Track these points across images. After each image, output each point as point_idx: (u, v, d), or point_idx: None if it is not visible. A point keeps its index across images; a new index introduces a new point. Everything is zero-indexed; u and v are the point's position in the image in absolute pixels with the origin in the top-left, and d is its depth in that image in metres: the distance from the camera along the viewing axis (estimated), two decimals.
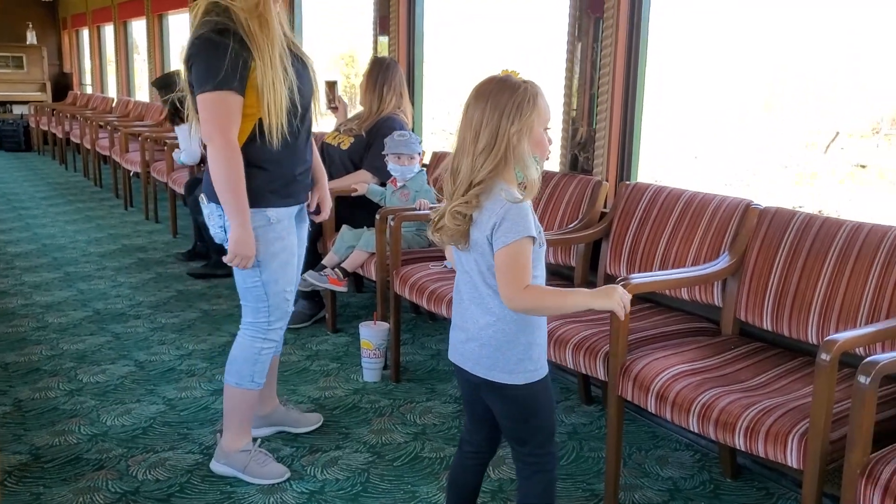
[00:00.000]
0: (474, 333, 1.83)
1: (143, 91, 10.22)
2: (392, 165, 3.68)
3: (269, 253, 2.41)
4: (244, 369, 2.51)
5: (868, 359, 1.80)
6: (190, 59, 2.30)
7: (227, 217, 2.33)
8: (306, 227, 2.66)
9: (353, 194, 3.83)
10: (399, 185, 3.71)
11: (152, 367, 3.49)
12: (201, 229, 4.82)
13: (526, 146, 1.72)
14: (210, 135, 2.27)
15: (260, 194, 2.36)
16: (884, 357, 1.81)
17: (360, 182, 3.86)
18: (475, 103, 1.74)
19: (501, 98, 1.71)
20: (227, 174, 2.28)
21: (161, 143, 6.54)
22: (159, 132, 7.05)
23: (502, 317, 1.79)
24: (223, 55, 2.20)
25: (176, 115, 5.30)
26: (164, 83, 5.41)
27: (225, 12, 2.26)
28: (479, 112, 1.72)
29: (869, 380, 1.76)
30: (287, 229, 2.46)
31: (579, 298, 1.80)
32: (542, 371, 1.85)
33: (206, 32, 2.24)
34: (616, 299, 1.76)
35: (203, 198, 2.46)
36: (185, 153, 5.49)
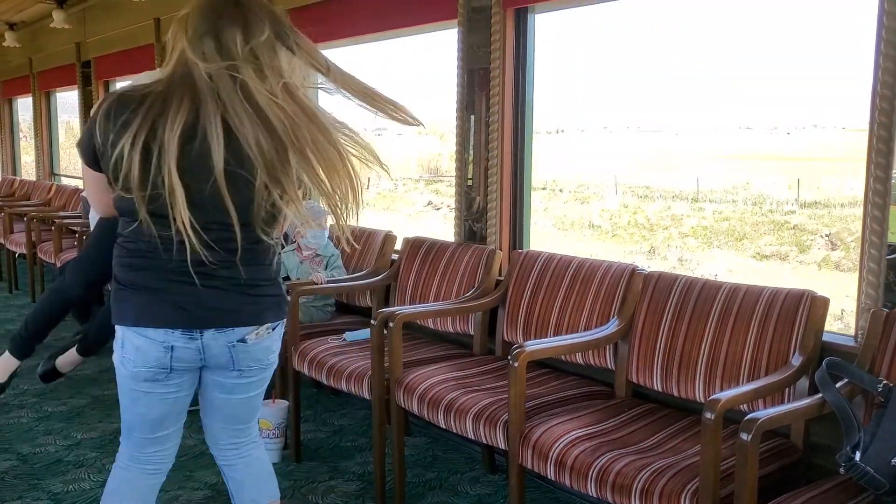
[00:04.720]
0: None
1: (30, 169, 9.88)
2: (303, 239, 3.74)
3: None
4: None
5: (748, 416, 1.88)
6: None
7: None
8: None
9: None
10: (306, 252, 3.74)
11: (37, 460, 3.30)
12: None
13: None
14: None
15: None
16: (762, 413, 1.90)
17: None
18: None
19: None
20: None
21: (49, 223, 6.31)
22: (46, 212, 6.80)
23: None
24: None
25: None
26: None
27: None
28: None
29: (750, 436, 1.84)
30: None
31: None
32: None
33: None
34: None
35: None
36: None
